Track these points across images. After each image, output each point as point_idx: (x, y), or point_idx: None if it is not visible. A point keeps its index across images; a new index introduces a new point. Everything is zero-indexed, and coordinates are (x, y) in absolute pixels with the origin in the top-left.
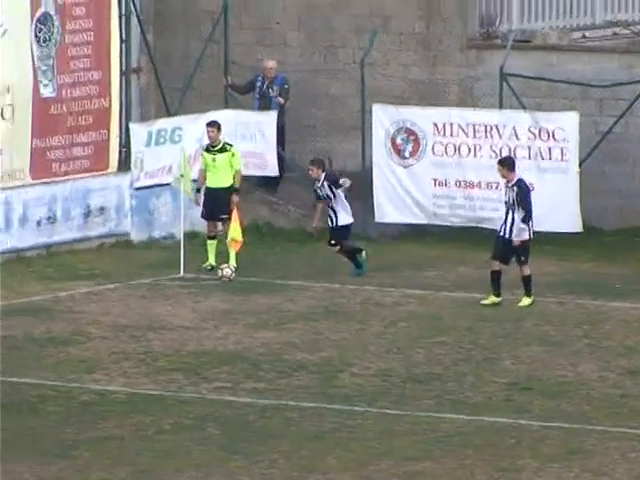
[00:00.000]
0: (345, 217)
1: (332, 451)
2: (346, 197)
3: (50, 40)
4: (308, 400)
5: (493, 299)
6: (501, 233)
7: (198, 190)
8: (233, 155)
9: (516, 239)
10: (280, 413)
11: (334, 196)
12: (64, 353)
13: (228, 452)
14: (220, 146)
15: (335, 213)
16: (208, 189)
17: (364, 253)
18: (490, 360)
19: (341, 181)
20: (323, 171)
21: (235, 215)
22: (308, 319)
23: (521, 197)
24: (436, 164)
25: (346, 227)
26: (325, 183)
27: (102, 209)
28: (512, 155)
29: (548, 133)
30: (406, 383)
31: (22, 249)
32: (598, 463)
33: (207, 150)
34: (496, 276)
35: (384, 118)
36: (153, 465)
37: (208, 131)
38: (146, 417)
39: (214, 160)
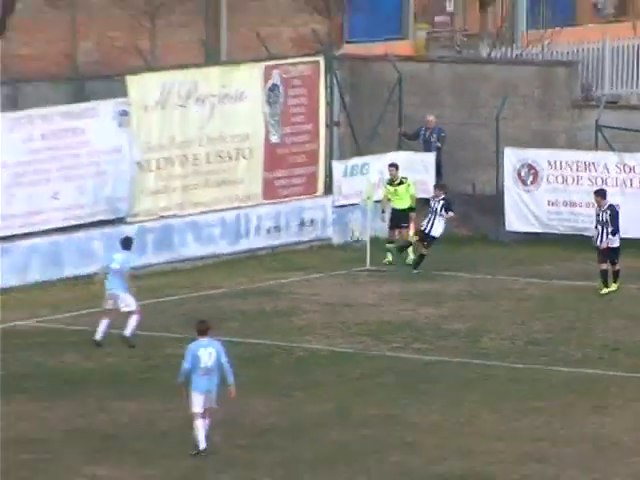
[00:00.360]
0: (437, 230)
1: (475, 392)
2: (446, 222)
3: (277, 102)
4: (459, 357)
5: (604, 289)
6: (598, 243)
7: (383, 211)
8: (409, 185)
9: (604, 244)
10: (439, 366)
11: (439, 213)
12: (287, 322)
13: (401, 393)
14: (398, 181)
15: (432, 223)
16: (393, 209)
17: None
18: (588, 329)
19: (450, 213)
20: (444, 193)
21: (411, 226)
22: (458, 299)
23: (612, 218)
24: (549, 190)
25: (432, 237)
26: (441, 202)
27: (312, 221)
28: (604, 185)
29: (630, 168)
30: (527, 345)
31: (255, 249)
32: None
33: (389, 184)
34: (604, 274)
35: (512, 157)
36: (348, 402)
37: (389, 170)
38: (342, 368)
39: (395, 191)
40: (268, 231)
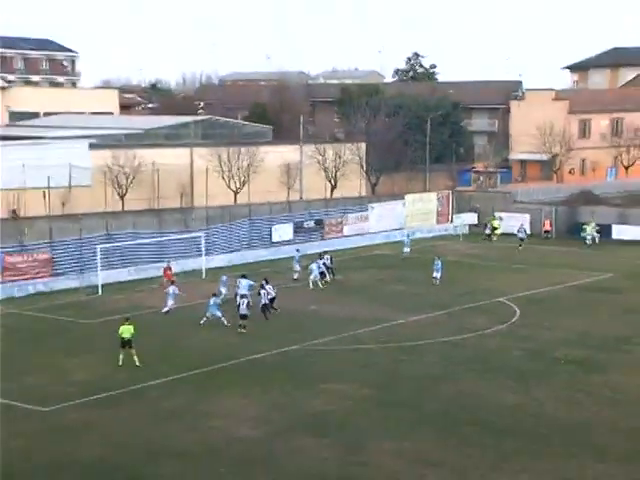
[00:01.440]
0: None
1: (523, 272)
2: None
3: None
4: (504, 262)
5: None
6: (519, 235)
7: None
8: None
9: (523, 236)
10: (507, 255)
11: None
12: (453, 251)
13: (501, 272)
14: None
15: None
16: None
17: None
18: (527, 254)
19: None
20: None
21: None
22: (509, 250)
23: (525, 230)
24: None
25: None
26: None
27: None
28: (520, 223)
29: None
30: (517, 261)
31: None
32: None
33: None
34: (519, 244)
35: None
36: (471, 282)
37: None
38: (473, 264)
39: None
40: (436, 231)
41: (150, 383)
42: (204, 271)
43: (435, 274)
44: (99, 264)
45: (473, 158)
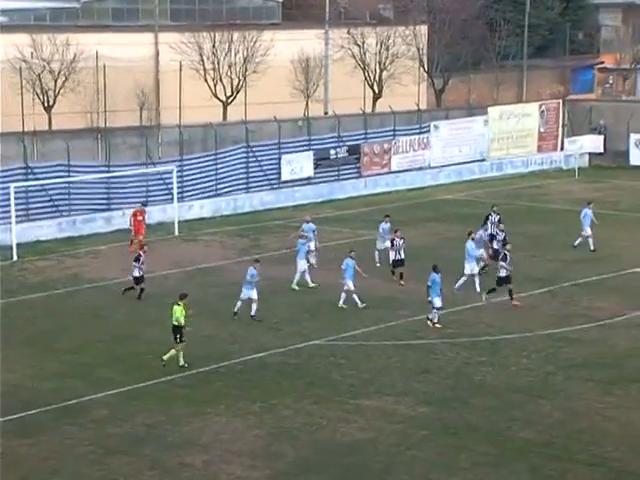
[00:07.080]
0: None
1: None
2: None
3: (543, 117)
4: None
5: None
6: None
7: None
8: None
9: None
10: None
11: None
12: (541, 191)
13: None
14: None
15: None
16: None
17: None
18: None
19: None
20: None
21: None
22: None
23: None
24: None
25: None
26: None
27: (554, 161)
28: None
29: None
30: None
31: (534, 171)
32: None
33: None
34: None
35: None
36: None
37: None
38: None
39: None
40: (538, 163)
41: (92, 397)
42: (177, 225)
43: None
44: (13, 213)
45: (598, 48)
